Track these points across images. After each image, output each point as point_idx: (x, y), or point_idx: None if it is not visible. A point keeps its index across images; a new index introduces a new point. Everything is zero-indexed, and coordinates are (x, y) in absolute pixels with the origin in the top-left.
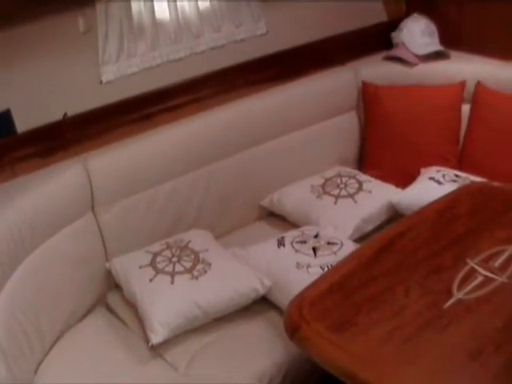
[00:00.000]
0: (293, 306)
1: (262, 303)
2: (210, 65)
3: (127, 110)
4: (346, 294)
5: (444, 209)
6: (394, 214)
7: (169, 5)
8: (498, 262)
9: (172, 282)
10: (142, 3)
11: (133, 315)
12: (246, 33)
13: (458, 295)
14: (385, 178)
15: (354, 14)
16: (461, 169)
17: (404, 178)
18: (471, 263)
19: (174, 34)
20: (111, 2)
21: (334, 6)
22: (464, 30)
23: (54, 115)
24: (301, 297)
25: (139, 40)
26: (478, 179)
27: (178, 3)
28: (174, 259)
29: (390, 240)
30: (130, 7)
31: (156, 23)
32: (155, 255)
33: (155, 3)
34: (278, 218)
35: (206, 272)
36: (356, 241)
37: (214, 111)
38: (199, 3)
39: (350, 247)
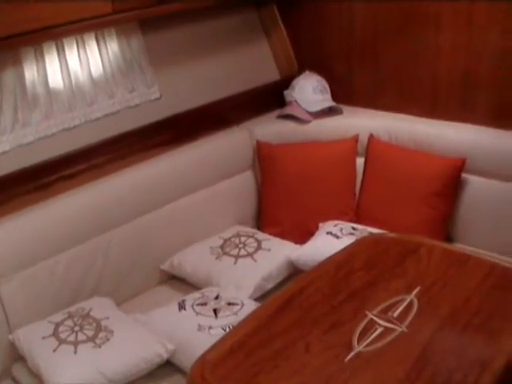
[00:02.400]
0: (195, 370)
1: (167, 367)
2: (105, 131)
3: (24, 180)
4: (247, 353)
5: (341, 263)
6: (294, 271)
7: (62, 73)
8: (396, 312)
9: (75, 352)
10: (35, 72)
11: None
12: (140, 98)
13: (358, 348)
14: (284, 235)
15: (247, 74)
16: (358, 221)
17: (303, 234)
18: (370, 315)
19: (67, 101)
20: (4, 72)
21: (227, 67)
22: (355, 85)
23: None
24: (202, 359)
25: (34, 109)
26: (375, 231)
27: (72, 71)
28: (76, 328)
29: (288, 297)
30: (23, 76)
31: (50, 91)
32: (57, 325)
33: (48, 71)
34: (179, 281)
35: (108, 340)
36: (257, 299)
37: (110, 178)
38: (92, 70)
39: (250, 307)
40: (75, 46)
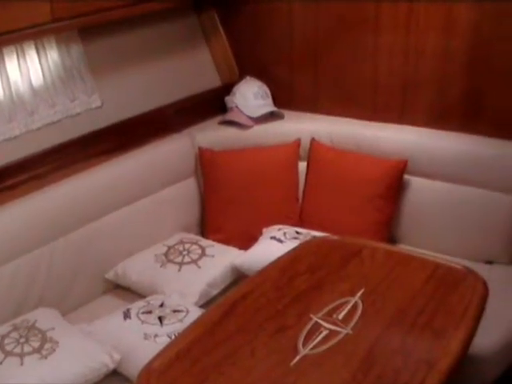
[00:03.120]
0: (141, 378)
1: (115, 377)
2: (46, 141)
3: None
4: (193, 360)
5: (285, 267)
6: (239, 276)
7: (2, 82)
8: (341, 315)
9: (21, 364)
10: None
11: None
12: (81, 106)
13: (303, 351)
14: (228, 241)
15: (189, 81)
16: (302, 225)
17: (247, 240)
18: (315, 318)
19: (8, 111)
20: None
21: (168, 74)
22: (296, 90)
23: None
24: (148, 368)
25: None
26: (318, 234)
27: (11, 80)
28: (22, 340)
29: (233, 303)
30: None
31: None
32: (3, 337)
33: None
34: (124, 290)
35: (54, 350)
36: (203, 306)
37: (52, 188)
38: (32, 79)
39: (196, 313)
40: (15, 55)
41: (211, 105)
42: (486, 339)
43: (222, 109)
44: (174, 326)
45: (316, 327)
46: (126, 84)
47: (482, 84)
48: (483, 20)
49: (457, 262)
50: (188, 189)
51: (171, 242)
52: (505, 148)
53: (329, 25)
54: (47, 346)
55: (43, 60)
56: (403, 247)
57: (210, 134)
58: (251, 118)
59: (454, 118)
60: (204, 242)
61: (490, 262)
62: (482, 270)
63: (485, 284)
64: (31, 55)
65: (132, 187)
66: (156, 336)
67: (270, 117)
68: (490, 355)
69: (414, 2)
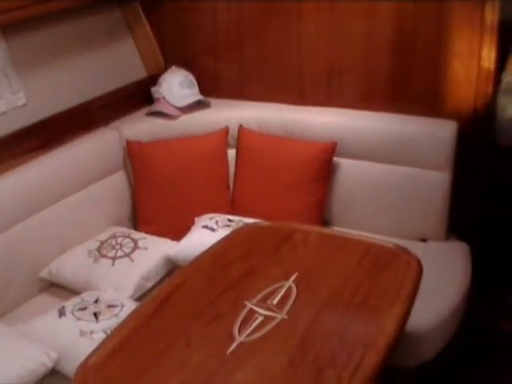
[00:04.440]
0: (78, 376)
1: (54, 376)
2: None
3: None
4: (129, 354)
5: (217, 255)
6: (174, 267)
7: None
8: (275, 300)
9: None
10: None
11: None
12: (7, 105)
13: (239, 339)
14: (161, 232)
15: (114, 73)
16: (234, 213)
17: (180, 230)
18: (249, 305)
19: None
20: None
21: (93, 67)
22: (222, 78)
23: None
24: (84, 365)
25: None
26: (250, 221)
27: None
28: None
29: (166, 295)
30: None
31: None
32: None
33: None
34: (59, 288)
35: None
36: (138, 299)
37: None
38: None
39: (131, 307)
40: None
41: (138, 96)
42: (423, 317)
43: (149, 100)
44: (110, 321)
45: (251, 314)
46: (51, 80)
47: (406, 65)
48: (405, 3)
49: (390, 241)
50: (118, 182)
51: (103, 236)
52: (431, 125)
53: (253, 13)
54: None
55: None
56: (336, 229)
57: (138, 126)
58: (178, 108)
59: (380, 99)
60: (136, 234)
61: (424, 240)
62: (416, 247)
63: (418, 261)
64: None
65: (61, 184)
66: (92, 332)
67: (197, 106)
68: (427, 333)
69: None
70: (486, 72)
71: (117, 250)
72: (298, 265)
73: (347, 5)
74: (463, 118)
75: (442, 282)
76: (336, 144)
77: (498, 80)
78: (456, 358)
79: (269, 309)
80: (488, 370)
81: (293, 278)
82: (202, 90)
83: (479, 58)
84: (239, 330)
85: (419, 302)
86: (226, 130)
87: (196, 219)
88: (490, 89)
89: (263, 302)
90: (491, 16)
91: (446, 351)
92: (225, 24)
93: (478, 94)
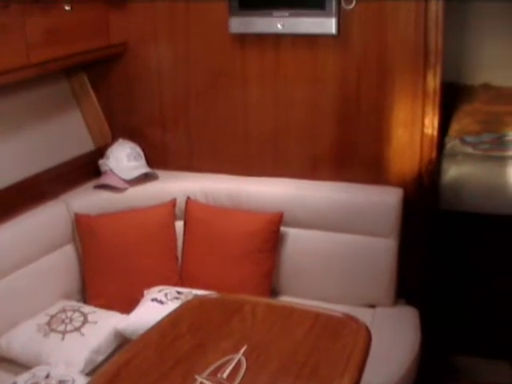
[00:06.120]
0: None
1: None
2: None
3: None
4: None
5: (166, 329)
6: (124, 341)
7: None
8: (225, 373)
9: None
10: None
11: None
12: None
13: None
14: (110, 305)
15: (62, 146)
16: (183, 284)
17: (130, 303)
18: (200, 379)
19: None
20: None
21: (41, 140)
22: (169, 149)
23: None
24: None
25: None
26: (200, 292)
27: None
28: None
29: (116, 370)
30: None
31: None
32: None
33: None
34: (9, 363)
35: None
36: (89, 374)
37: None
38: None
39: (82, 382)
40: None
41: (86, 169)
42: (374, 383)
43: (97, 172)
44: None
45: None
46: None
47: (351, 133)
48: (349, 71)
49: (339, 308)
50: (66, 256)
51: (53, 310)
52: (377, 193)
53: (198, 82)
54: None
55: None
56: (285, 299)
57: (86, 199)
58: (125, 181)
59: (326, 167)
60: (86, 308)
61: (373, 306)
62: (365, 314)
63: (367, 329)
64: None
65: (10, 258)
66: None
67: (145, 178)
68: None
69: (280, 51)
70: (430, 138)
71: (66, 324)
72: (248, 337)
73: (292, 71)
74: (408, 185)
75: (393, 347)
76: (282, 214)
77: (441, 145)
78: None
79: (219, 382)
80: None
81: (242, 350)
82: (150, 162)
83: (422, 125)
84: None
85: (370, 368)
86: (173, 202)
87: (145, 292)
88: (433, 154)
89: (214, 376)
90: (433, 83)
91: None
92: (170, 94)
93: (422, 160)
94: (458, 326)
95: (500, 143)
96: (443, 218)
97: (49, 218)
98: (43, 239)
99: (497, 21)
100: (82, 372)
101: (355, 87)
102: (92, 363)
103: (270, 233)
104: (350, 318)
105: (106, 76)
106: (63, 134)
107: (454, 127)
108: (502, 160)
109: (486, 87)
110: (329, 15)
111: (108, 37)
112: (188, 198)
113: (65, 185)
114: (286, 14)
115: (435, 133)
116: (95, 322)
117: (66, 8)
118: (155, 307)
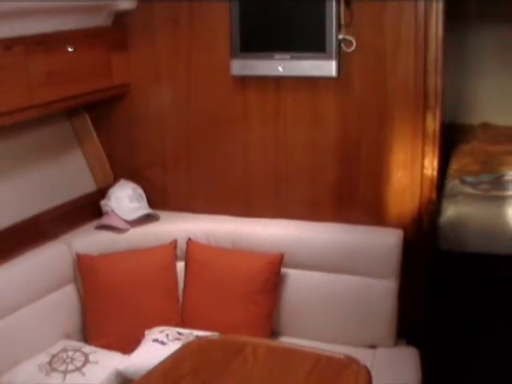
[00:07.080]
0: None
1: None
2: None
3: None
4: None
5: (168, 370)
6: (125, 381)
7: None
8: None
9: None
10: None
11: None
12: None
13: None
14: (111, 345)
15: (64, 186)
16: (184, 325)
17: (130, 343)
18: None
19: None
20: None
21: (43, 181)
22: (170, 190)
23: None
24: None
25: None
26: (201, 333)
27: None
28: None
29: None
30: None
31: None
32: None
33: None
34: None
35: None
36: None
37: None
38: None
39: None
40: None
41: (87, 210)
42: None
43: (99, 213)
44: None
45: None
46: (0, 194)
47: (351, 174)
48: (349, 113)
49: (340, 349)
50: (68, 296)
51: (54, 350)
52: (377, 234)
53: (199, 123)
54: None
55: None
56: (286, 339)
57: (87, 240)
58: (127, 222)
59: (326, 208)
60: (87, 348)
61: (373, 347)
62: (366, 355)
63: (368, 372)
64: None
65: (11, 297)
66: None
67: (146, 219)
68: None
69: (281, 93)
70: (430, 179)
71: (68, 364)
72: (249, 379)
73: (293, 113)
74: (408, 226)
75: None
76: (283, 255)
77: (441, 185)
78: None
79: None
80: None
81: None
82: (151, 203)
83: (422, 166)
84: None
85: None
86: (174, 243)
87: (146, 332)
88: (433, 195)
89: None
90: (433, 125)
91: None
92: (172, 136)
93: (422, 201)
94: (459, 367)
95: (499, 183)
96: (443, 258)
97: (50, 258)
98: (44, 279)
99: (494, 62)
100: None
101: (355, 129)
102: None
103: (271, 274)
104: (351, 360)
105: (107, 117)
106: (65, 174)
107: (454, 167)
108: (502, 200)
109: (485, 127)
110: (329, 58)
111: (110, 78)
112: (189, 238)
113: (66, 225)
114: (287, 56)
115: (435, 173)
116: (96, 362)
117: (69, 49)
118: (156, 348)
